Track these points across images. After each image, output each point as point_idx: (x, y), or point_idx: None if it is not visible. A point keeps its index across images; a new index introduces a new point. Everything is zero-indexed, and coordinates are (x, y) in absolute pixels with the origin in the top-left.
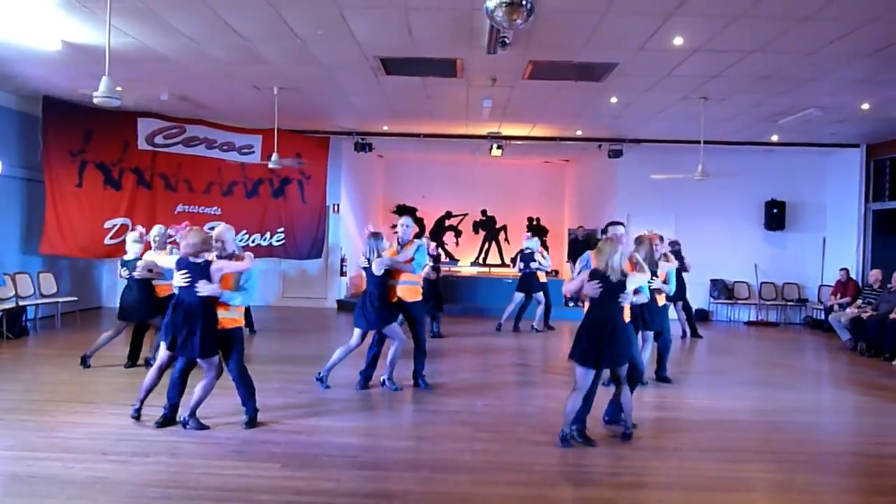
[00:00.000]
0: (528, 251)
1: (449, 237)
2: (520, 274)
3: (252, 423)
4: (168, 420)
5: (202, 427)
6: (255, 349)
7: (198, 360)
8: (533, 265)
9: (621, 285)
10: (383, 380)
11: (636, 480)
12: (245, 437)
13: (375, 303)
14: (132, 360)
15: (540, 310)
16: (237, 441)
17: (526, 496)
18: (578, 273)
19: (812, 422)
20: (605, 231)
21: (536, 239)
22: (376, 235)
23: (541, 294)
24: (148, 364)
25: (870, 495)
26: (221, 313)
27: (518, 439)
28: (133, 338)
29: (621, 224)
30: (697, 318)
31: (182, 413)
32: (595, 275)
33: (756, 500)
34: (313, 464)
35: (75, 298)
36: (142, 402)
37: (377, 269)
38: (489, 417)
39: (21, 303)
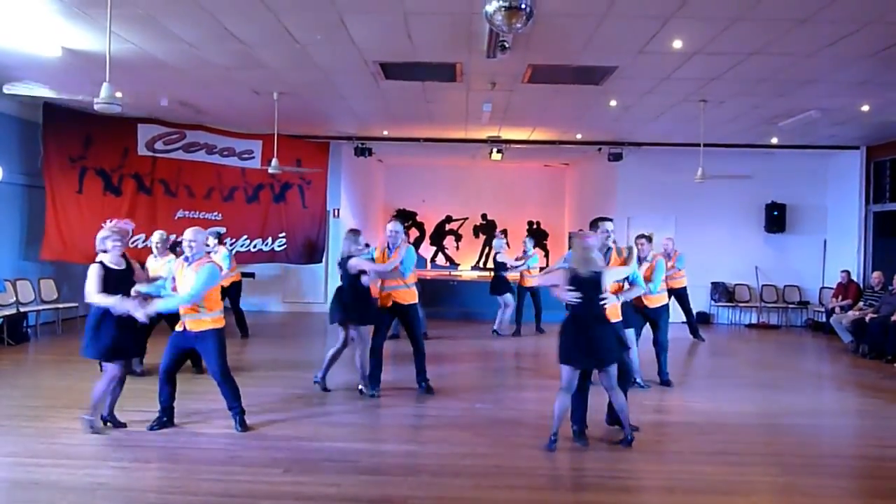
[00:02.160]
0: (497, 252)
1: (449, 241)
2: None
3: (243, 424)
4: (164, 423)
5: (119, 424)
6: (255, 354)
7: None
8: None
9: (595, 283)
10: (360, 388)
11: (638, 484)
12: (246, 442)
13: (346, 299)
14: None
15: (507, 312)
16: (238, 446)
17: (527, 500)
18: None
19: (814, 424)
20: (593, 226)
21: (502, 239)
22: (355, 232)
23: (508, 296)
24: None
25: (872, 498)
26: (193, 315)
27: (519, 443)
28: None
29: (609, 220)
30: (698, 321)
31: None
32: (570, 276)
33: (758, 503)
34: (315, 469)
35: (76, 304)
36: (110, 412)
37: (352, 268)
38: (490, 421)
39: (22, 309)
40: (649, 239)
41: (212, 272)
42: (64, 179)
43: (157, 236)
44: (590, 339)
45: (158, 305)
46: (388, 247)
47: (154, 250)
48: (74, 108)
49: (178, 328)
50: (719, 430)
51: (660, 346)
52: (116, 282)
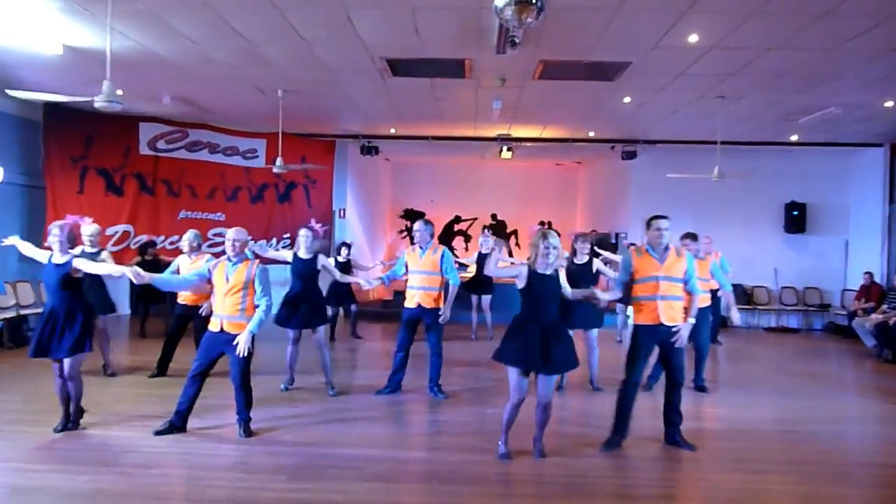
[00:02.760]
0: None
1: (458, 242)
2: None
3: (248, 431)
4: (174, 428)
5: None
6: (258, 357)
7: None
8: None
9: (555, 281)
10: (327, 384)
11: (654, 493)
12: (250, 448)
13: (306, 307)
14: (161, 370)
15: (482, 315)
16: (242, 452)
17: None
18: (620, 276)
19: (836, 432)
20: (648, 225)
21: (488, 236)
22: (314, 231)
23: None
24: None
25: None
26: (234, 317)
27: (530, 450)
28: (164, 348)
29: (665, 217)
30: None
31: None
32: (528, 270)
33: None
34: (320, 475)
35: None
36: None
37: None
38: (500, 427)
39: (22, 312)
40: (693, 237)
41: (267, 272)
42: (65, 179)
43: (188, 235)
44: (548, 344)
45: (252, 329)
46: (420, 247)
47: (186, 249)
48: (75, 107)
49: (214, 328)
50: (737, 436)
51: (700, 350)
52: (45, 276)
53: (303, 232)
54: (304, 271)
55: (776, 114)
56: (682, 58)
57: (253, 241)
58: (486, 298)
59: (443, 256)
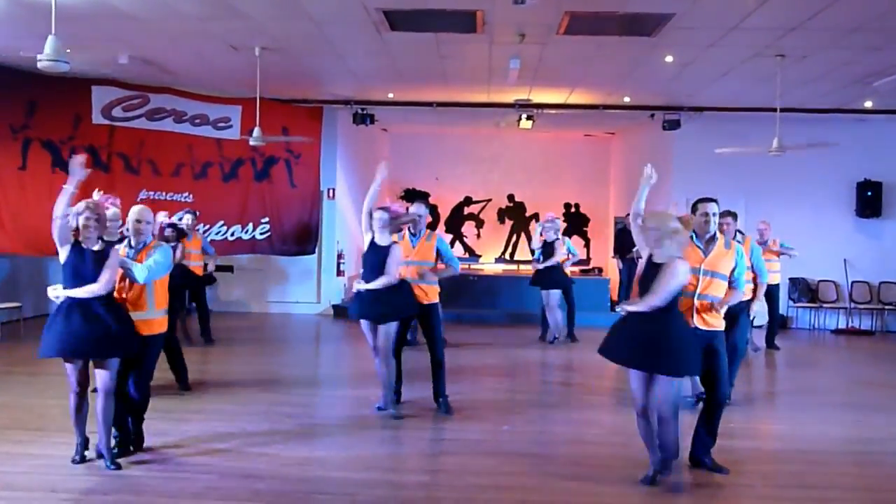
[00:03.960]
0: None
1: (469, 228)
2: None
3: (133, 447)
4: (127, 446)
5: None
6: (235, 365)
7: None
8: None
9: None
10: (378, 406)
11: None
12: (223, 471)
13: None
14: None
15: (557, 314)
16: (214, 475)
17: None
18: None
19: None
20: (694, 209)
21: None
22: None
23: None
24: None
25: None
26: (140, 314)
27: (553, 473)
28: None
29: (713, 201)
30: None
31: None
32: (647, 265)
33: None
34: (304, 503)
35: (18, 304)
36: (84, 440)
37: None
38: (519, 447)
39: None
40: (735, 216)
41: (167, 251)
42: (4, 153)
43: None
44: (644, 332)
45: (127, 268)
46: (412, 234)
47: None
48: (15, 67)
49: None
50: (799, 458)
51: (734, 350)
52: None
53: (378, 214)
54: (377, 262)
55: (847, 75)
56: (735, 8)
57: (224, 225)
58: (555, 294)
59: (440, 243)
